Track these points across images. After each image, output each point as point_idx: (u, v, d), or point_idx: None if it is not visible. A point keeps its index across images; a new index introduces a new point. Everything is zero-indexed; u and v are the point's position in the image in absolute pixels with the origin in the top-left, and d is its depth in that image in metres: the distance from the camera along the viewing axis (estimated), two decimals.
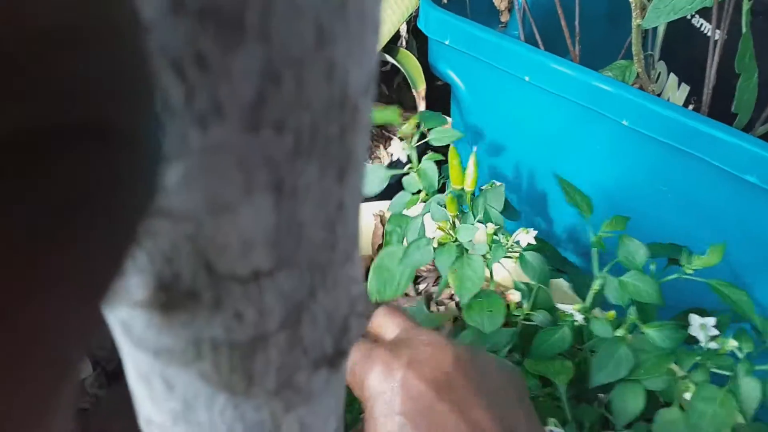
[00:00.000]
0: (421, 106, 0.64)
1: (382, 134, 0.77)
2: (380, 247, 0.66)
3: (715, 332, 0.40)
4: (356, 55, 0.11)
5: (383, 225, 0.68)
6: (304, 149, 0.10)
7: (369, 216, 0.67)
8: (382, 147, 0.75)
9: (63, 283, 0.08)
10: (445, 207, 0.51)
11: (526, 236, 0.50)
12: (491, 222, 0.50)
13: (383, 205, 0.68)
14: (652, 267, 0.45)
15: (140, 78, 0.09)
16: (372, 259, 0.71)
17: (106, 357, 0.65)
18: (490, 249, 0.48)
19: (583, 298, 0.46)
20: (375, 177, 0.54)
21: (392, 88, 0.78)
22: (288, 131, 0.10)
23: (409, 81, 0.65)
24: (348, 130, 0.11)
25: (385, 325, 0.34)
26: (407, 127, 0.56)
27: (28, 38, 0.07)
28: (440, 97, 0.71)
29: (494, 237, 0.49)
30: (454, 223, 0.51)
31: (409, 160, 0.55)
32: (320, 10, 0.10)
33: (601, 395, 0.43)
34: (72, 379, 0.10)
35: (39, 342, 0.09)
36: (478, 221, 0.51)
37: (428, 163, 0.55)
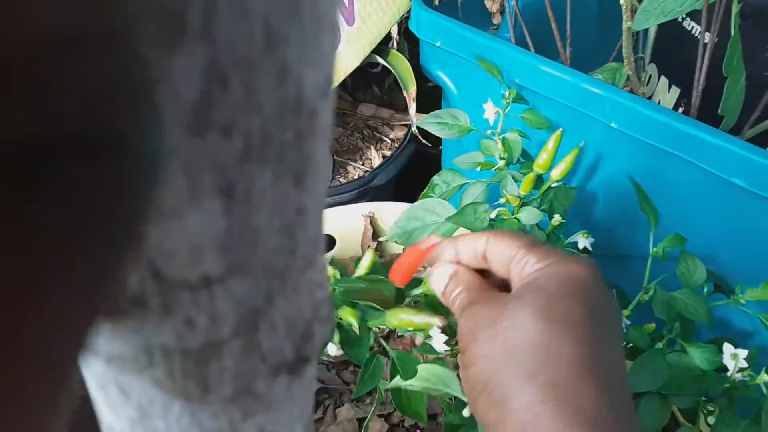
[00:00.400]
0: (412, 108, 0.64)
1: (374, 135, 0.76)
2: (369, 248, 0.66)
3: (745, 365, 0.40)
4: (311, 58, 0.10)
5: (373, 226, 0.68)
6: (256, 154, 0.10)
7: (359, 217, 0.67)
8: (373, 148, 0.75)
9: (64, 285, 0.08)
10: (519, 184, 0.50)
11: (584, 240, 0.49)
12: (557, 214, 0.48)
13: (373, 207, 0.67)
14: (705, 290, 0.45)
15: (140, 82, 0.09)
16: (359, 260, 0.71)
17: None
18: (548, 239, 0.47)
19: (624, 306, 0.46)
20: (454, 122, 0.53)
21: (384, 89, 0.77)
22: (237, 135, 0.10)
23: (399, 83, 0.65)
24: (305, 135, 0.11)
25: (497, 251, 0.30)
26: (510, 94, 0.55)
27: (27, 44, 0.07)
28: (431, 100, 0.71)
29: (554, 230, 0.48)
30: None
31: (494, 127, 0.54)
32: (269, 10, 0.09)
33: None
34: (71, 383, 0.10)
35: (40, 342, 0.09)
36: (542, 210, 0.50)
37: (514, 135, 0.53)
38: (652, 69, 0.71)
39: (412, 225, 0.49)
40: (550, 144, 0.49)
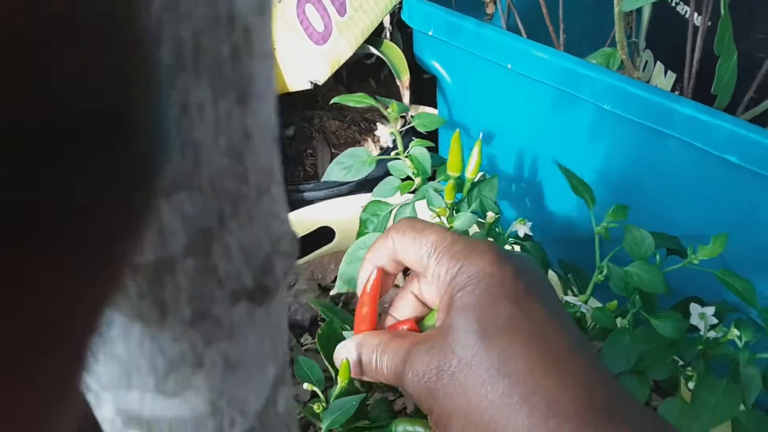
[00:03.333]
0: (406, 97, 0.64)
1: (371, 128, 0.77)
2: None
3: (715, 321, 0.40)
4: None
5: None
6: (189, 65, 0.11)
7: (357, 208, 0.68)
8: (370, 140, 0.76)
9: (75, 263, 0.09)
10: (442, 194, 0.49)
11: (523, 227, 0.49)
12: (489, 211, 0.49)
13: (371, 198, 0.68)
14: (657, 258, 0.45)
15: (147, 66, 0.09)
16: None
17: None
18: (490, 238, 0.47)
19: (581, 289, 0.46)
20: (357, 161, 0.52)
21: (379, 81, 0.78)
22: (165, 43, 0.10)
23: (393, 73, 0.66)
24: (242, 53, 0.12)
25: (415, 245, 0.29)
26: (392, 112, 0.54)
27: (35, 27, 0.07)
28: (426, 90, 0.72)
29: (491, 227, 0.48)
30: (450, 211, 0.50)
31: (395, 146, 0.54)
32: None
33: None
34: (81, 372, 0.10)
35: (54, 330, 0.09)
36: (472, 211, 0.50)
37: (419, 149, 0.53)
38: (647, 55, 0.72)
39: (354, 269, 0.48)
40: (453, 145, 0.49)
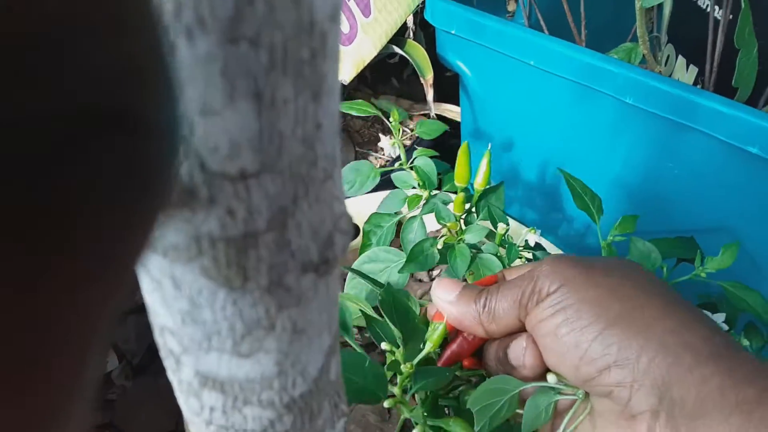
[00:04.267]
0: (429, 95, 0.66)
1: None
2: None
3: (725, 327, 0.40)
4: None
5: None
6: (279, 65, 0.13)
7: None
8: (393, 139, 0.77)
9: (90, 258, 0.08)
10: (449, 206, 0.49)
11: (533, 236, 0.49)
12: (500, 222, 0.49)
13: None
14: (665, 270, 0.45)
15: (159, 64, 0.09)
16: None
17: (131, 350, 0.68)
18: (505, 249, 0.48)
19: None
20: (360, 175, 0.51)
21: (402, 80, 0.80)
22: (263, 47, 0.12)
23: (417, 72, 0.67)
24: (318, 55, 0.14)
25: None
26: (394, 121, 0.53)
27: (47, 22, 0.07)
28: (449, 88, 0.73)
29: (503, 237, 0.48)
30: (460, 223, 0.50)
31: (399, 157, 0.53)
32: None
33: None
34: (85, 379, 0.09)
35: (70, 328, 0.09)
36: (481, 220, 0.50)
37: (424, 159, 0.52)
38: (669, 50, 0.72)
39: (357, 284, 0.48)
40: (461, 156, 0.48)
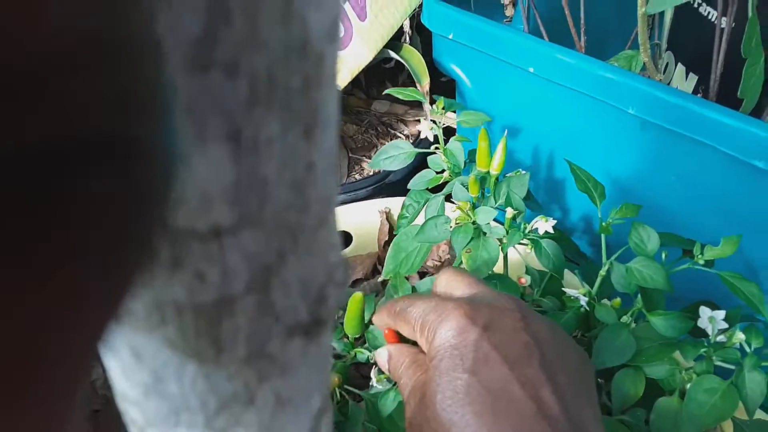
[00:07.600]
0: (426, 101, 0.63)
1: (388, 132, 0.76)
2: (387, 243, 0.66)
3: (724, 325, 0.39)
4: None
5: (389, 222, 0.68)
6: (263, 99, 0.10)
7: (375, 213, 0.67)
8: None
9: (71, 292, 0.08)
10: (467, 188, 0.52)
11: (544, 224, 0.49)
12: (509, 207, 0.50)
13: (389, 202, 0.67)
14: (664, 255, 0.44)
15: (155, 87, 0.08)
16: (379, 257, 0.70)
17: None
18: (507, 233, 0.48)
19: (592, 286, 0.46)
20: (399, 152, 0.55)
21: (397, 85, 0.77)
22: (242, 76, 0.10)
23: (413, 77, 0.65)
24: (312, 83, 0.11)
25: (455, 284, 0.33)
26: (437, 108, 0.57)
27: (47, 48, 0.07)
28: (445, 93, 0.71)
29: (512, 222, 0.49)
30: (474, 205, 0.52)
31: (436, 140, 0.55)
32: None
33: (600, 380, 0.42)
34: (87, 375, 0.10)
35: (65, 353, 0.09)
36: (499, 206, 0.51)
37: (455, 144, 0.55)
38: (669, 57, 0.71)
39: (399, 258, 0.53)
40: (481, 141, 0.51)
